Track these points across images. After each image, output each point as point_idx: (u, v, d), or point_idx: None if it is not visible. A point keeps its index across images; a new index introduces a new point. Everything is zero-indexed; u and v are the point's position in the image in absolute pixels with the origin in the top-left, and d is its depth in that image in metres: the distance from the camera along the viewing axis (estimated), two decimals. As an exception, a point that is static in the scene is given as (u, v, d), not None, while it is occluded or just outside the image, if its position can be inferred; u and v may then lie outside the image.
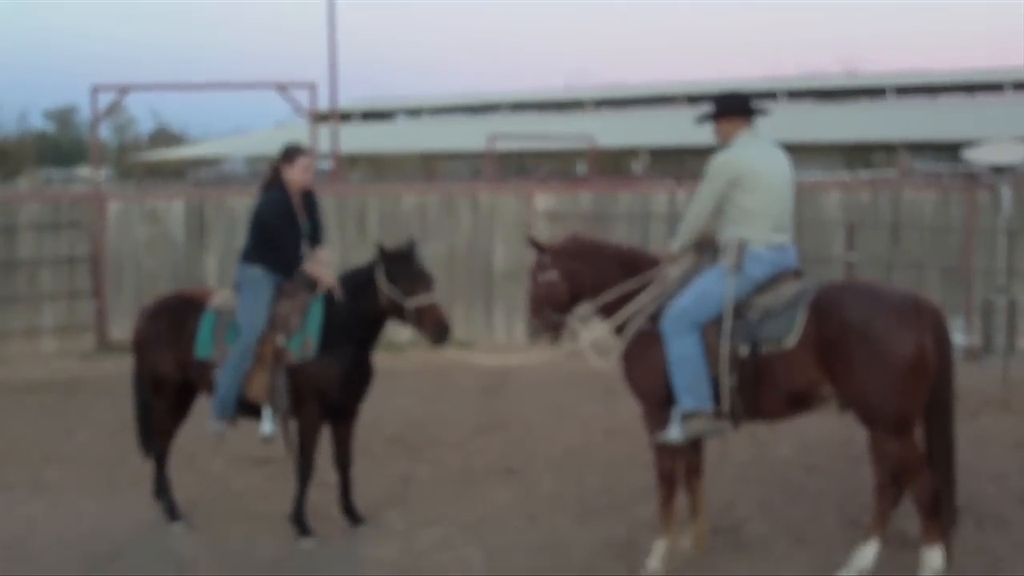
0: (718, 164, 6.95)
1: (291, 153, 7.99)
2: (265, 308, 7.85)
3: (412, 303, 7.63)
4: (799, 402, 6.73)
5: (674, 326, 6.81)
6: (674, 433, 6.88)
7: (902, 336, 6.32)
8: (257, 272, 7.94)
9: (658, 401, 7.00)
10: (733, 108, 7.08)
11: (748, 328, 6.70)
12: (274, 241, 7.90)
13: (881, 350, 6.31)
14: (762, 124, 7.21)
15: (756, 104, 7.11)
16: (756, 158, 6.93)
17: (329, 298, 7.84)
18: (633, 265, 7.29)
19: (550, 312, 7.47)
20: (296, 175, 7.97)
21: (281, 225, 7.92)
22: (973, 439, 9.61)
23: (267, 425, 7.87)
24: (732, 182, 6.87)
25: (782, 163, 7.05)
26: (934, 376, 6.43)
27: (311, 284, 7.95)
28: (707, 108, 7.19)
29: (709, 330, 6.79)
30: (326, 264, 8.21)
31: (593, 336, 7.76)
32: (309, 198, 8.15)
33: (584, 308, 7.52)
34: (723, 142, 7.08)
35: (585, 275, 7.35)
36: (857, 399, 6.46)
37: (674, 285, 7.05)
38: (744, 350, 6.68)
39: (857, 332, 6.36)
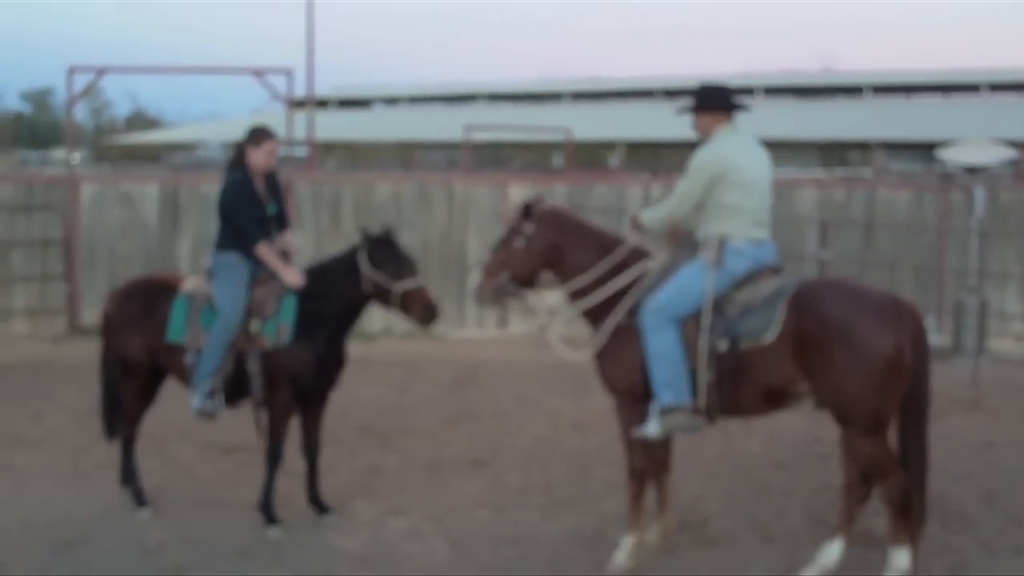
0: (702, 159, 6.88)
1: (258, 135, 7.96)
2: (244, 290, 7.81)
3: (400, 287, 7.65)
4: (776, 398, 6.70)
5: (653, 320, 6.75)
6: (652, 428, 6.82)
7: (881, 335, 6.31)
8: (232, 257, 7.90)
9: (634, 396, 6.95)
10: (714, 102, 7.00)
11: (727, 323, 6.65)
12: (235, 221, 7.87)
13: (860, 349, 6.29)
14: (739, 120, 7.18)
15: (737, 99, 7.06)
16: (738, 153, 6.88)
17: (304, 284, 7.83)
18: (611, 252, 7.21)
19: (507, 279, 7.33)
20: (260, 158, 7.94)
21: (242, 205, 7.88)
22: (941, 439, 9.61)
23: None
24: (716, 177, 6.80)
25: (762, 158, 7.01)
26: (911, 377, 6.44)
27: None
28: (688, 100, 7.10)
29: (688, 325, 6.75)
30: (294, 248, 8.18)
31: (560, 327, 7.71)
32: (272, 181, 8.13)
33: (543, 280, 7.41)
34: (703, 136, 7.01)
35: (563, 252, 7.25)
36: (833, 397, 6.44)
37: (653, 279, 6.99)
38: (723, 345, 6.64)
39: (836, 330, 6.34)
